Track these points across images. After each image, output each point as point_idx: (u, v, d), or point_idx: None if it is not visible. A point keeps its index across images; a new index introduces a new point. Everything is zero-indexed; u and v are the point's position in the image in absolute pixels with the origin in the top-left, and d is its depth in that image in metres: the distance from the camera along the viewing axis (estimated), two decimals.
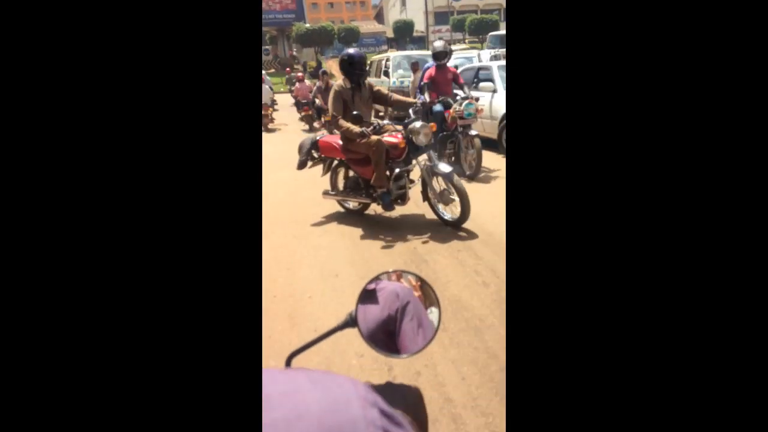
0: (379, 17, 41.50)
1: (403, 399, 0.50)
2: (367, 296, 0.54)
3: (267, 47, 25.62)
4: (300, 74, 10.46)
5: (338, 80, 3.41)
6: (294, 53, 30.25)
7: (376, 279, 0.56)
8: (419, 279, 0.56)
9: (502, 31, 15.08)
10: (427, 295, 0.56)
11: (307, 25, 26.42)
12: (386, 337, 0.52)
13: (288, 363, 0.56)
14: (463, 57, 8.74)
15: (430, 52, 4.92)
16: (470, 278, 2.38)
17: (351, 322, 0.54)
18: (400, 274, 0.57)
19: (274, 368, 0.26)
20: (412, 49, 21.47)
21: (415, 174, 3.27)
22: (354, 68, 3.23)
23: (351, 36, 28.27)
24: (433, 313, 0.55)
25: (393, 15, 39.52)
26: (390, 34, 32.31)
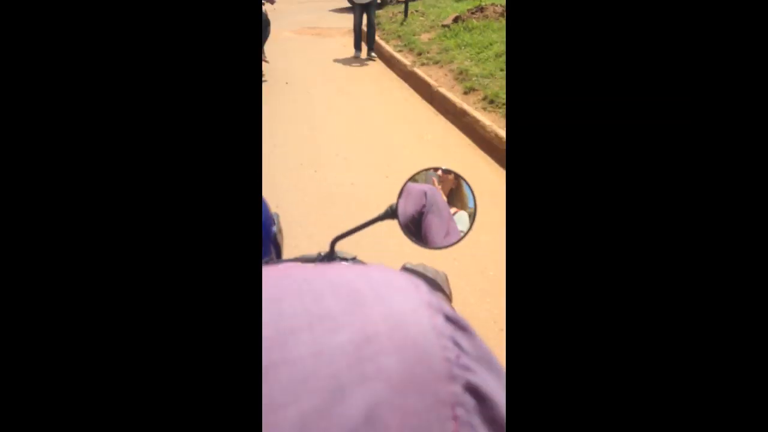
0: None
1: (436, 280, 0.58)
2: (406, 192, 0.61)
3: None
4: None
5: None
6: None
7: (416, 176, 0.62)
8: (458, 177, 0.62)
9: None
10: (461, 196, 0.61)
11: None
12: (418, 231, 0.60)
13: (332, 246, 0.62)
14: None
15: None
16: None
17: (391, 213, 0.61)
18: (439, 171, 0.62)
19: (330, 265, 0.24)
20: None
21: None
22: None
23: None
24: (461, 216, 0.60)
25: None
26: None
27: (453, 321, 0.22)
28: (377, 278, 0.23)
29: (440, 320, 0.22)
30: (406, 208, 0.61)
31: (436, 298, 0.23)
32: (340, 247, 0.65)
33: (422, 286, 0.23)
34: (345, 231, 0.63)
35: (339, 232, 0.63)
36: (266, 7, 4.82)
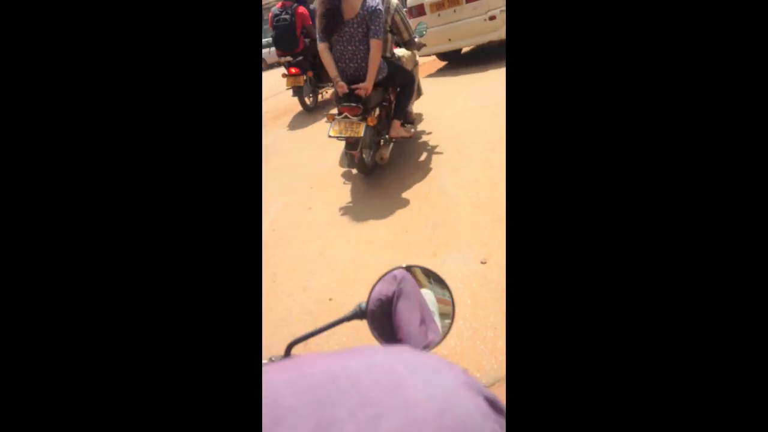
0: None
1: None
2: (377, 291, 0.54)
3: None
4: None
5: None
6: None
7: (387, 274, 0.55)
8: (430, 273, 0.57)
9: None
10: (439, 297, 0.55)
11: None
12: (393, 334, 0.52)
13: (287, 353, 0.53)
14: None
15: None
16: None
17: (360, 313, 0.53)
18: (410, 269, 0.56)
19: (363, 348, 0.23)
20: None
21: None
22: None
23: None
24: (444, 322, 0.54)
25: None
26: None
27: (492, 403, 0.22)
28: (412, 359, 0.22)
29: (482, 402, 0.21)
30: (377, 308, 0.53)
31: (473, 379, 0.22)
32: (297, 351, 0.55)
33: (456, 367, 0.23)
34: (303, 334, 0.53)
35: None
36: (406, 57, 3.12)
